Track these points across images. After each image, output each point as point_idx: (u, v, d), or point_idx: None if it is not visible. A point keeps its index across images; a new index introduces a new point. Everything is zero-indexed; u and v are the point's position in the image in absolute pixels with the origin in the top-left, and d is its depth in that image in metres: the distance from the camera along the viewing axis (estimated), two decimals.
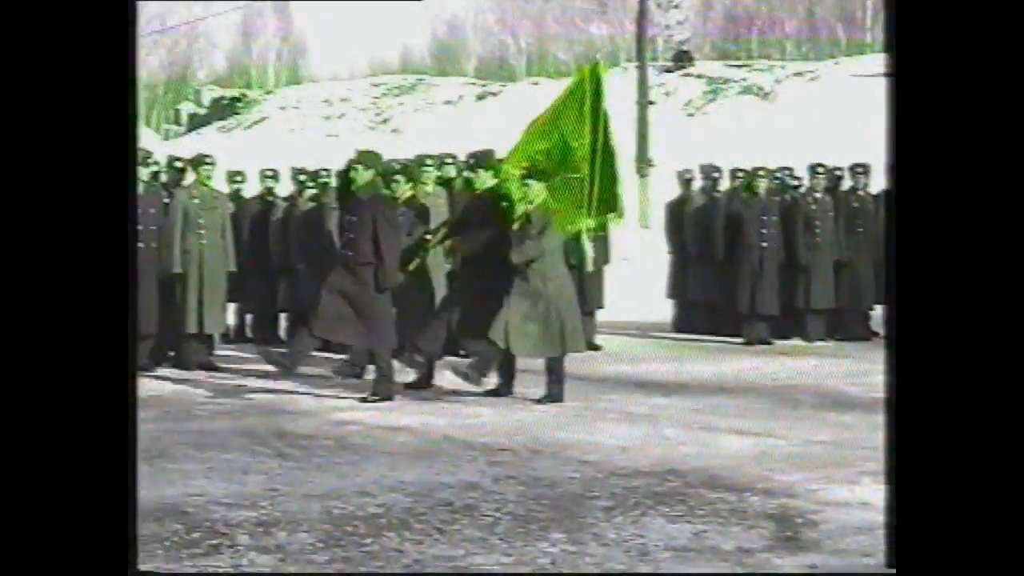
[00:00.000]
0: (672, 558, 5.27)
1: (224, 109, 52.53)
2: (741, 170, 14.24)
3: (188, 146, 30.26)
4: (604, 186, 9.92)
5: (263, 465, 7.12)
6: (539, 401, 9.34)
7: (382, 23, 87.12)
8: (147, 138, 46.65)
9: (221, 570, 5.10)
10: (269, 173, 13.60)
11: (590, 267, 10.37)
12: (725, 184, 14.38)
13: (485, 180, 9.83)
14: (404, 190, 10.48)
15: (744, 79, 44.50)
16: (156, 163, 11.57)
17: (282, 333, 13.42)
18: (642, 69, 29.61)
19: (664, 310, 14.88)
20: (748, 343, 13.25)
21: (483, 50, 69.91)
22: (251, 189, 13.76)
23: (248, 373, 11.01)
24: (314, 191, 12.73)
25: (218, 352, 11.86)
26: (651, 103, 30.20)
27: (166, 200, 11.31)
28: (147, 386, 9.94)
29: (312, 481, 6.71)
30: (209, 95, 54.62)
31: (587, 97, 9.97)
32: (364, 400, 9.39)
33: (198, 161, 11.75)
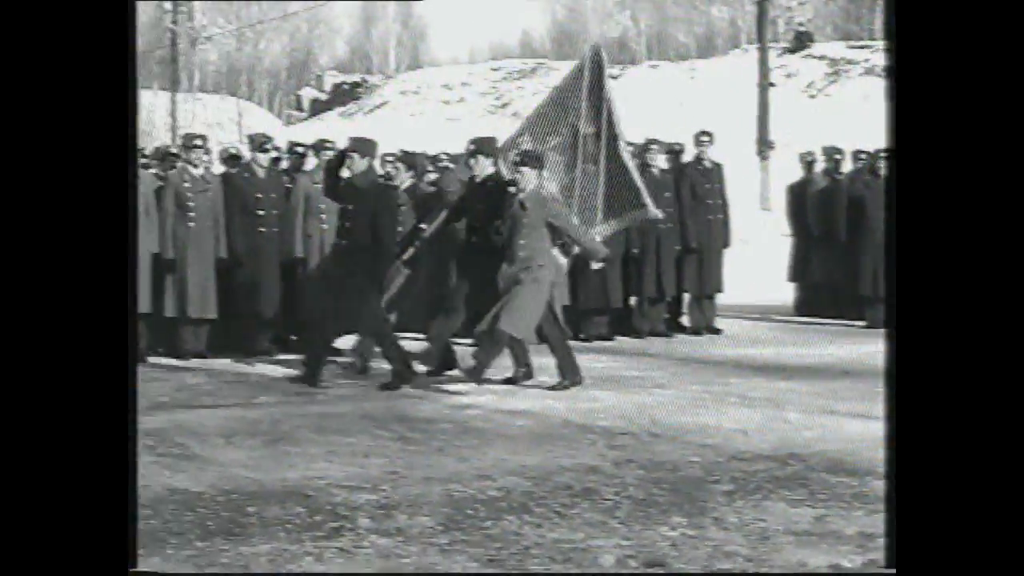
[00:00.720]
0: (793, 542, 5.21)
1: (345, 94, 53.09)
2: (864, 152, 13.99)
3: (310, 131, 30.61)
4: (620, 179, 9.84)
5: (384, 448, 7.16)
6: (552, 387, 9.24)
7: (502, 7, 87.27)
8: (269, 123, 47.29)
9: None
10: (390, 158, 13.71)
11: (597, 263, 10.19)
12: (847, 166, 14.16)
13: (485, 167, 9.71)
14: (404, 178, 10.58)
15: (867, 60, 43.79)
16: (277, 148, 11.71)
17: None
18: (763, 51, 29.34)
19: (785, 293, 14.71)
20: (870, 326, 13.03)
21: (603, 33, 69.71)
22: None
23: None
24: (433, 175, 12.79)
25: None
26: (772, 85, 29.84)
27: (288, 185, 11.44)
28: (270, 372, 10.09)
29: (432, 464, 6.74)
30: (330, 80, 55.20)
31: (589, 82, 9.88)
32: (385, 387, 9.20)
33: (319, 146, 11.86)
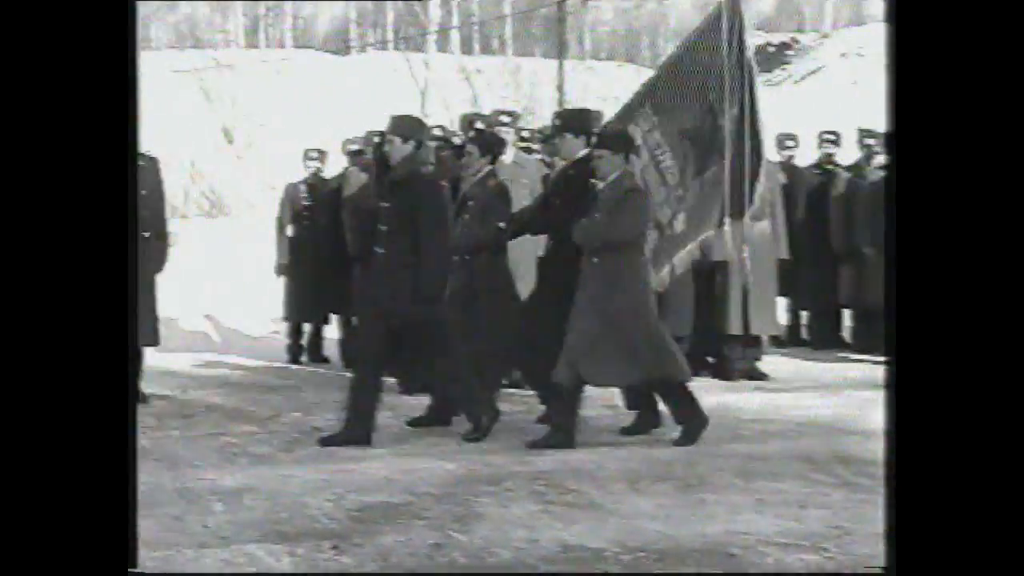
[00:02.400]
0: None
1: (770, 58, 52.97)
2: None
3: None
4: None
5: (824, 498, 7.12)
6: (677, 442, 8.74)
7: None
8: None
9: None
10: (829, 137, 13.60)
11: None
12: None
13: (573, 148, 9.06)
14: (480, 163, 9.56)
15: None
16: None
17: (845, 334, 13.39)
18: None
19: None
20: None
21: None
22: (806, 156, 13.79)
23: (803, 386, 11.06)
24: (883, 160, 12.59)
25: (767, 358, 11.96)
26: None
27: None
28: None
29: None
30: (751, 42, 55.24)
31: (729, 39, 9.04)
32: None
33: None
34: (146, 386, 10.43)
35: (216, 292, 16.82)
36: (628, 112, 9.77)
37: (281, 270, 13.17)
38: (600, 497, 7.13)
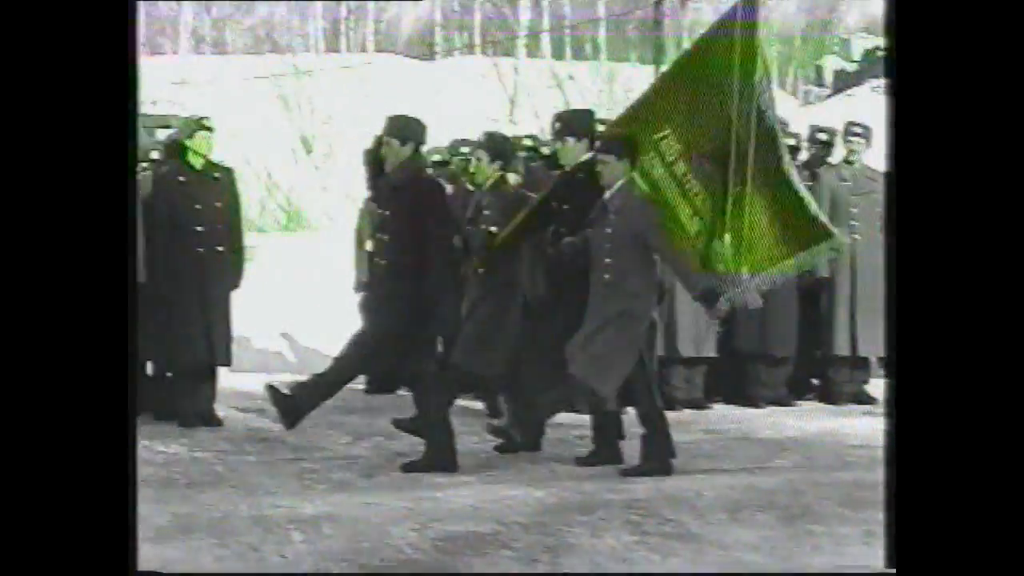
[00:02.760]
0: None
1: (880, 62, 52.63)
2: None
3: (833, 111, 30.60)
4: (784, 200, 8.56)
5: None
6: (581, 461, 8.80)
7: None
8: (782, 102, 47.45)
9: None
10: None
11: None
12: None
13: (575, 151, 8.95)
14: (489, 171, 9.36)
15: None
16: (794, 135, 11.72)
17: None
18: None
19: None
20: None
21: None
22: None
23: None
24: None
25: (875, 380, 11.88)
26: None
27: (808, 184, 11.45)
28: (783, 422, 10.14)
29: None
30: (860, 45, 54.95)
31: (743, 47, 8.39)
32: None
33: (849, 131, 11.84)
34: (220, 408, 10.51)
35: (292, 309, 16.91)
36: (635, 120, 9.05)
37: (360, 287, 13.21)
38: (699, 527, 7.11)
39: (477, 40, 48.43)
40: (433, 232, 8.58)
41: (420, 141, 8.86)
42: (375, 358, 9.02)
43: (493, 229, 9.08)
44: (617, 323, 8.40)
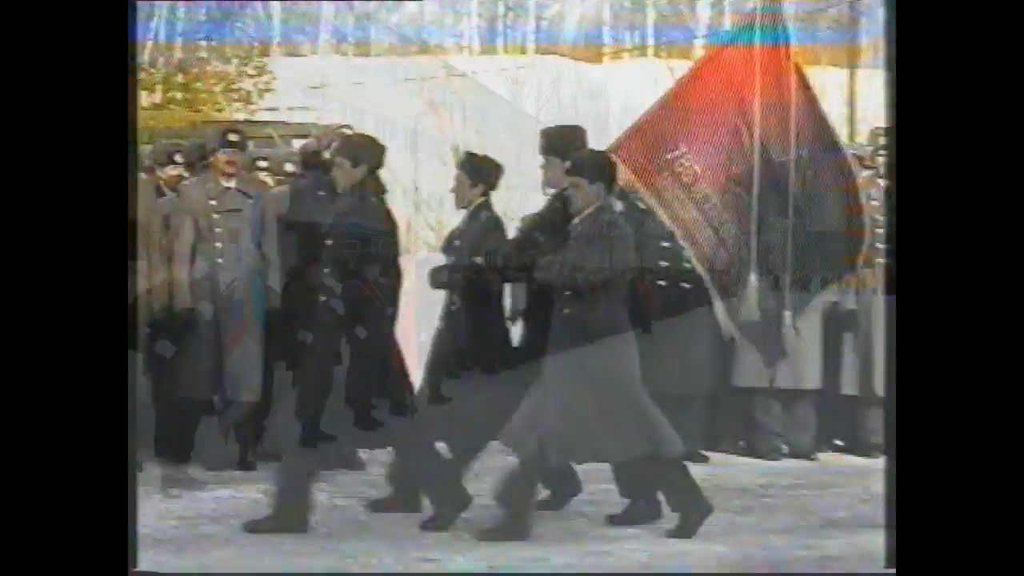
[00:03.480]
0: None
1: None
2: None
3: None
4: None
5: None
6: None
7: None
8: None
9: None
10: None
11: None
12: None
13: (562, 172, 8.71)
14: (470, 195, 9.42)
15: None
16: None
17: None
18: None
19: None
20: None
21: None
22: None
23: None
24: None
25: None
26: None
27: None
28: None
29: None
30: None
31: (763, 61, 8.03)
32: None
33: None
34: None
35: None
36: (643, 135, 8.81)
37: (517, 314, 13.11)
38: None
39: (650, 40, 48.46)
40: (379, 266, 8.77)
41: (374, 165, 8.87)
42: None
43: (478, 260, 9.14)
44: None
